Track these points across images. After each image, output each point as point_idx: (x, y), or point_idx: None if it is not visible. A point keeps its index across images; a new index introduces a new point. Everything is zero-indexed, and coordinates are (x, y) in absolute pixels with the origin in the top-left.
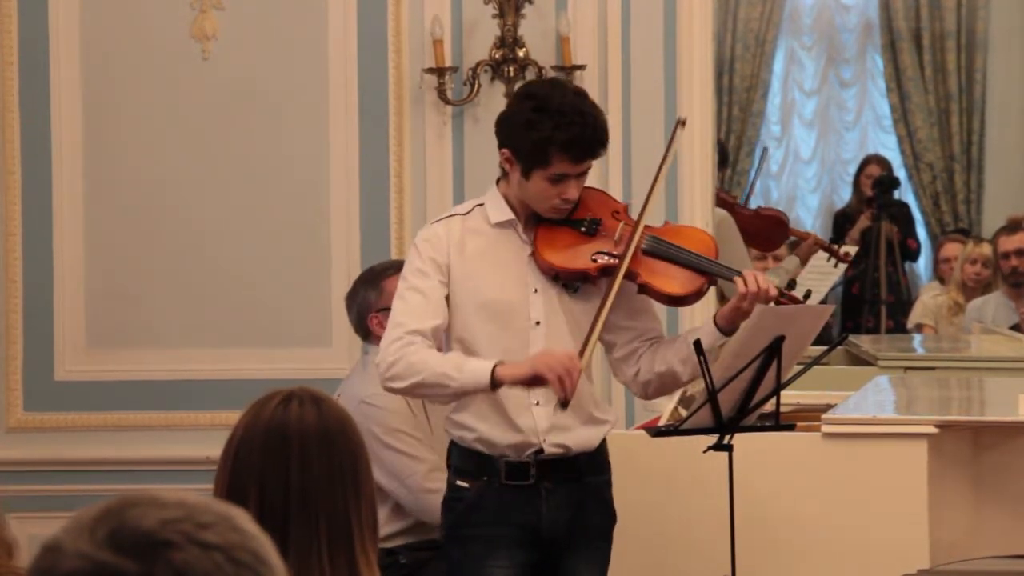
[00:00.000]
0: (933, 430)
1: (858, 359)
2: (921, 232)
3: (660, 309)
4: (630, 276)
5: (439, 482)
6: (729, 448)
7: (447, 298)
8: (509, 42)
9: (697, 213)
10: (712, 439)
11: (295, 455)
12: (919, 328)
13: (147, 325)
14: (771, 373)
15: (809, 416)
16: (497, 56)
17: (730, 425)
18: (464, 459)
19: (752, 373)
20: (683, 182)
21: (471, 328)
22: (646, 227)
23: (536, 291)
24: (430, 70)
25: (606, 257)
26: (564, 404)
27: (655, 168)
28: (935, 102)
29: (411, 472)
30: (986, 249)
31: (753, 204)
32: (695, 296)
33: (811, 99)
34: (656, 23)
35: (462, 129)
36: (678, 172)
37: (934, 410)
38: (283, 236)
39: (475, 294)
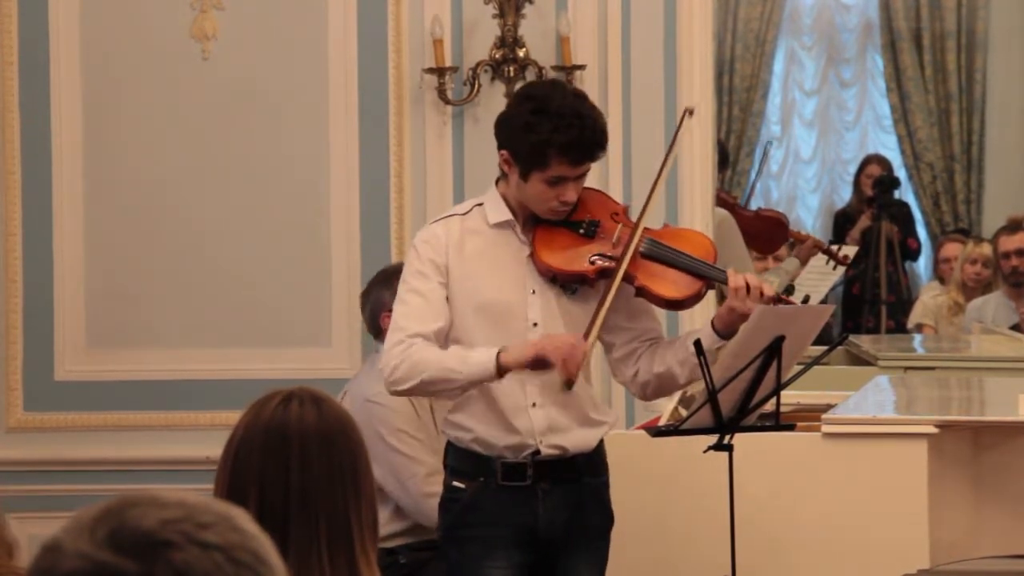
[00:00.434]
0: (933, 430)
1: (858, 359)
2: (921, 232)
3: (660, 310)
4: (627, 279)
5: (438, 486)
6: (729, 448)
7: (447, 299)
8: (509, 42)
9: (697, 214)
10: (712, 439)
11: (295, 455)
12: (919, 328)
13: (147, 325)
14: (771, 373)
15: (809, 416)
16: (497, 56)
17: (730, 425)
18: (461, 460)
19: (752, 373)
20: (683, 182)
21: (468, 329)
22: (645, 229)
23: (534, 292)
24: (430, 70)
25: (604, 259)
26: (569, 385)
27: (655, 169)
28: (935, 102)
29: (411, 475)
30: (986, 249)
31: (753, 205)
32: (692, 300)
33: (811, 99)
34: (656, 23)
35: (462, 129)
36: (678, 173)
37: (934, 410)
38: (283, 236)
39: (473, 295)
